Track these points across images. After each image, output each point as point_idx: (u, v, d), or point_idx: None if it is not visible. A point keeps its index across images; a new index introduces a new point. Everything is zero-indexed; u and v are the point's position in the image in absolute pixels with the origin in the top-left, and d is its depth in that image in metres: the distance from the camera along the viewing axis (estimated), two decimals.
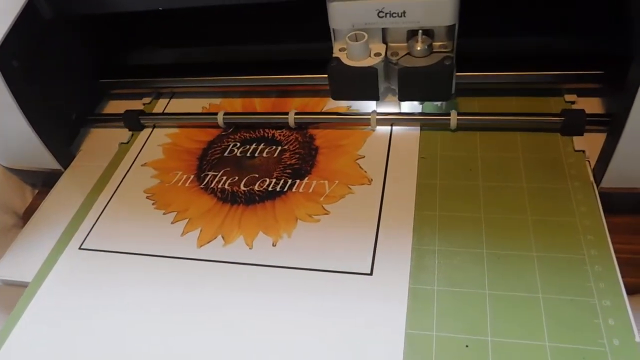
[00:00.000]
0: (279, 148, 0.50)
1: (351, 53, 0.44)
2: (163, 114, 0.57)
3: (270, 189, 0.46)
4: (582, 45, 0.47)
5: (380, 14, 0.42)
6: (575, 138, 0.45)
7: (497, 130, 0.47)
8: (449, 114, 0.47)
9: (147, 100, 0.59)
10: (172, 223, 0.45)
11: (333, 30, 0.45)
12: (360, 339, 0.35)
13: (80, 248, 0.45)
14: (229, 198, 0.46)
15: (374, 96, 0.46)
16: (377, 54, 0.44)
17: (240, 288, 0.39)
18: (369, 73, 0.44)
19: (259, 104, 0.56)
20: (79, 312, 0.40)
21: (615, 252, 0.36)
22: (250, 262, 0.41)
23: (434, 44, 0.44)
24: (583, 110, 0.44)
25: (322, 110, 0.53)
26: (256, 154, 0.50)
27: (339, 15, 0.43)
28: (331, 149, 0.49)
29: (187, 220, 0.45)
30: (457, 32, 0.43)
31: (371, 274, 0.38)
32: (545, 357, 0.32)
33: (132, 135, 0.56)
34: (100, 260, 0.44)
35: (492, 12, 0.46)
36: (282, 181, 0.47)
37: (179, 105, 0.58)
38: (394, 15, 0.42)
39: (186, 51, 0.60)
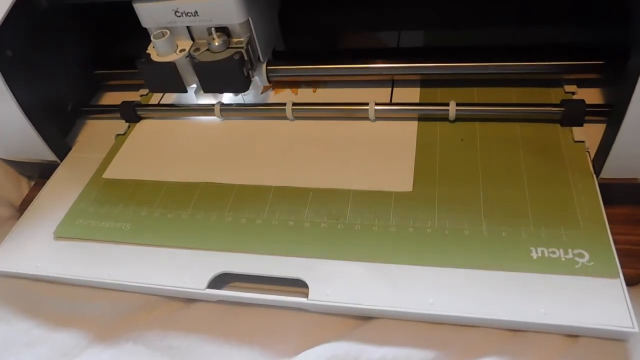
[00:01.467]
0: None
1: (158, 49, 0.48)
2: (159, 105, 0.57)
3: None
4: (583, 35, 0.47)
5: (177, 14, 0.46)
6: (575, 129, 0.44)
7: (497, 121, 0.46)
8: (447, 104, 0.46)
9: (143, 91, 0.59)
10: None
11: (148, 29, 0.48)
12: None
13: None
14: None
15: (181, 88, 0.50)
16: (182, 50, 0.48)
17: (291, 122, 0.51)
18: (169, 67, 0.47)
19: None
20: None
21: (615, 243, 0.36)
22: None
23: (232, 39, 0.47)
24: (583, 101, 0.44)
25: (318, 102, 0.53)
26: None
27: (144, 16, 0.47)
28: None
29: None
30: (255, 28, 0.47)
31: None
32: None
33: (129, 126, 0.55)
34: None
35: (492, 1, 0.46)
36: None
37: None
38: (189, 14, 0.45)
39: None
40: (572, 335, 0.34)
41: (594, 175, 0.41)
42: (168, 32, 0.47)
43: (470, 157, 0.44)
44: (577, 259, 0.36)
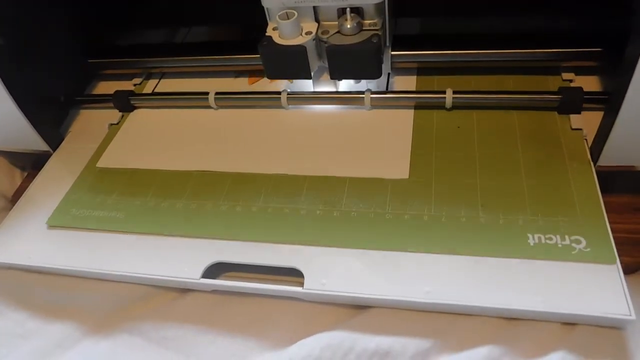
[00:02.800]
0: None
1: (282, 32, 0.44)
2: (153, 94, 0.56)
3: None
4: (581, 22, 0.46)
5: None
6: (572, 116, 0.44)
7: (494, 109, 0.46)
8: (444, 92, 0.46)
9: (137, 80, 0.58)
10: None
11: (266, 9, 0.45)
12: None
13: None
14: None
15: (307, 74, 0.46)
16: (308, 33, 0.44)
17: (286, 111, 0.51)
18: (299, 51, 0.44)
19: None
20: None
21: (612, 231, 0.36)
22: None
23: (364, 22, 0.43)
24: (581, 88, 0.44)
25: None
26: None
27: None
28: None
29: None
30: (388, 10, 0.43)
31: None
32: None
33: (122, 116, 0.55)
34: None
35: None
36: None
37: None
38: None
39: (176, 31, 0.58)
40: (569, 323, 0.34)
41: (592, 163, 0.40)
42: (295, 12, 0.43)
43: (467, 145, 0.44)
44: (574, 245, 0.35)
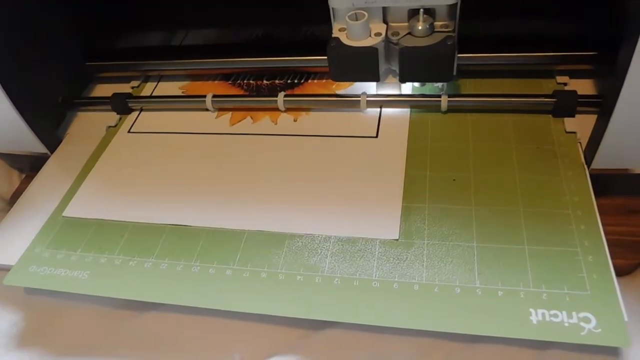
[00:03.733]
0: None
1: (351, 33, 0.43)
2: (151, 97, 0.57)
3: (289, 81, 0.54)
4: (575, 26, 0.47)
5: None
6: (566, 119, 0.44)
7: (489, 112, 0.46)
8: (439, 96, 0.46)
9: (135, 83, 0.59)
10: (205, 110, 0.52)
11: (332, 9, 0.44)
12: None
13: (129, 132, 0.53)
14: (254, 90, 0.54)
15: (375, 77, 0.45)
16: (378, 34, 0.43)
17: (268, 151, 0.47)
18: (369, 53, 0.43)
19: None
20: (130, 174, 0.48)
21: (605, 233, 0.36)
22: (275, 133, 0.49)
23: (435, 23, 0.43)
24: (575, 92, 0.44)
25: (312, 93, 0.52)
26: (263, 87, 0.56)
27: None
28: None
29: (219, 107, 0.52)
30: (459, 12, 0.42)
31: (377, 137, 0.46)
32: None
33: (120, 118, 0.55)
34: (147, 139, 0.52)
35: None
36: (299, 75, 0.54)
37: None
38: None
39: (175, 34, 0.59)
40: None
41: (586, 166, 0.41)
42: (365, 13, 0.42)
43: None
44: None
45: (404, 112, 0.48)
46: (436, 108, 0.47)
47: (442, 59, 0.42)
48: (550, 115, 0.45)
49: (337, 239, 0.39)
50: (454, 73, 0.44)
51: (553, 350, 0.33)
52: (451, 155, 0.43)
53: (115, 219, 0.44)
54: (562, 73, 0.48)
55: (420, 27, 0.42)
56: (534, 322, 0.32)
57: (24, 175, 0.57)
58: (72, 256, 0.42)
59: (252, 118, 0.51)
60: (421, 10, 0.42)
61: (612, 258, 0.35)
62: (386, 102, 0.49)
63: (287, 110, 0.51)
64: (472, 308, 0.33)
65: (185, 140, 0.50)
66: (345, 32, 0.44)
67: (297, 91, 0.53)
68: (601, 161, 0.40)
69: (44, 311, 0.42)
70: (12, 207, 0.49)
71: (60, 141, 0.54)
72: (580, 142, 0.42)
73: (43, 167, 0.52)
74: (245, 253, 0.39)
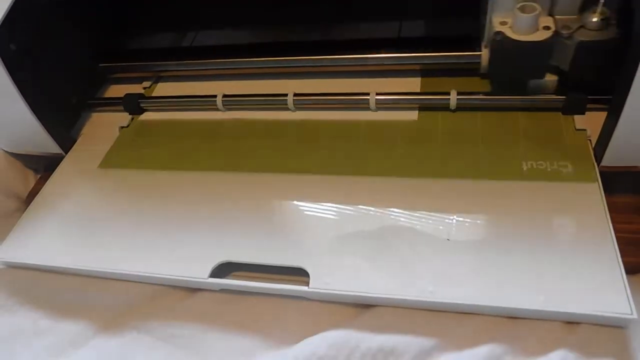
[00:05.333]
0: None
1: (519, 26, 0.40)
2: (162, 97, 0.57)
3: None
4: None
5: None
6: (576, 117, 0.44)
7: (498, 110, 0.46)
8: (448, 94, 0.46)
9: (147, 84, 0.59)
10: None
11: (493, 1, 0.42)
12: None
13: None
14: None
15: (539, 74, 0.42)
16: (547, 27, 0.40)
17: None
18: (542, 48, 0.40)
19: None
20: None
21: (615, 231, 0.36)
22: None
23: (609, 15, 0.39)
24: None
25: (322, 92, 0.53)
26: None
27: None
28: None
29: None
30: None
31: None
32: None
33: (132, 119, 0.56)
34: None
35: None
36: None
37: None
38: None
39: (186, 35, 0.59)
40: (571, 322, 0.34)
41: (595, 164, 0.41)
42: (538, 6, 0.39)
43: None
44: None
45: None
46: (445, 107, 0.47)
47: (620, 54, 0.37)
48: (560, 113, 0.45)
49: None
50: None
51: (584, 325, 0.34)
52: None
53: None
54: None
55: (594, 19, 0.39)
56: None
57: (39, 175, 0.58)
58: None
59: None
60: (601, 1, 0.38)
61: (622, 256, 0.35)
62: (394, 101, 0.49)
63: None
64: None
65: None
66: (509, 25, 0.41)
67: None
68: (611, 158, 0.40)
69: None
70: (28, 206, 0.50)
71: (75, 141, 0.55)
72: (590, 140, 0.42)
73: (58, 167, 0.53)
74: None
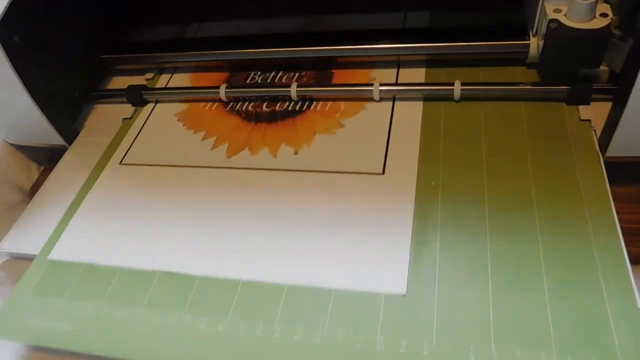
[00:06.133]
0: (297, 74, 0.54)
1: (576, 13, 0.38)
2: (165, 88, 0.57)
3: (290, 108, 0.51)
4: None
5: None
6: (581, 107, 0.44)
7: (502, 100, 0.46)
8: (452, 84, 0.46)
9: (149, 75, 0.59)
10: (202, 140, 0.50)
11: None
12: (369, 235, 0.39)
13: (121, 163, 0.50)
14: (253, 117, 0.51)
15: (596, 63, 0.41)
16: (604, 14, 0.39)
17: (267, 190, 0.44)
18: (601, 36, 0.38)
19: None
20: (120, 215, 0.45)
21: (620, 221, 0.36)
22: (275, 167, 0.45)
23: None
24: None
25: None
26: (275, 80, 0.54)
27: None
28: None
29: (216, 137, 0.50)
30: None
31: (383, 173, 0.43)
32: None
33: (135, 110, 0.56)
34: (138, 171, 0.49)
35: None
36: (300, 102, 0.51)
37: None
38: None
39: (188, 26, 0.59)
40: None
41: (600, 154, 0.40)
42: None
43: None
44: None
45: (413, 147, 0.44)
46: (449, 97, 0.47)
47: None
48: (564, 103, 0.44)
49: (340, 293, 0.36)
50: None
51: None
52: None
53: (103, 264, 0.41)
54: None
55: None
56: None
57: (42, 168, 0.58)
58: (57, 303, 0.39)
59: (249, 150, 0.48)
60: None
61: (626, 246, 0.34)
62: (399, 91, 0.49)
63: (287, 142, 0.47)
64: None
65: (180, 175, 0.47)
66: (563, 12, 0.39)
67: (298, 119, 0.49)
68: (616, 149, 0.39)
69: None
70: (32, 198, 0.50)
71: (78, 133, 0.55)
72: (594, 130, 0.42)
73: (61, 159, 0.53)
74: (240, 305, 0.37)
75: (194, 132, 0.51)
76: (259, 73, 0.56)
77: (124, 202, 0.46)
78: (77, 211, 0.46)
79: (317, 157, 0.45)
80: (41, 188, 0.51)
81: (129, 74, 0.60)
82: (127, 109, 0.56)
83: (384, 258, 0.37)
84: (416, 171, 0.42)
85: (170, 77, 0.59)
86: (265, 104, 0.52)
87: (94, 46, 0.58)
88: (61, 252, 0.43)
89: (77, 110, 0.57)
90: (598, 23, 0.38)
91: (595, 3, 0.38)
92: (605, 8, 0.39)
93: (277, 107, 0.51)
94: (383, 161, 0.43)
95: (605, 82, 0.44)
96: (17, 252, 0.46)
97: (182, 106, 0.54)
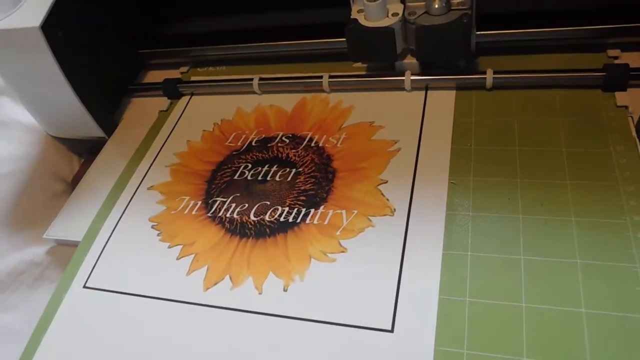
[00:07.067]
0: (293, 170, 0.46)
1: (368, 13, 0.44)
2: (200, 81, 0.58)
3: (282, 219, 0.42)
4: None
5: None
6: (617, 94, 0.43)
7: (535, 89, 0.46)
8: (484, 73, 0.46)
9: (184, 69, 0.61)
10: (177, 259, 0.42)
11: None
12: None
13: (84, 287, 0.42)
14: (238, 230, 0.42)
15: (392, 57, 0.46)
16: (395, 14, 0.44)
17: (248, 340, 0.36)
18: (386, 33, 0.44)
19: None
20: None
21: None
22: (259, 310, 0.37)
23: (452, 1, 0.43)
24: (627, 65, 0.43)
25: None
26: (268, 177, 0.46)
27: None
28: (350, 173, 0.44)
29: (194, 256, 0.42)
30: None
31: (392, 331, 0.34)
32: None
33: (171, 103, 0.57)
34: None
35: None
36: (295, 210, 0.42)
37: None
38: None
39: (221, 19, 0.60)
40: None
41: (638, 141, 0.40)
42: None
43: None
44: None
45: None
46: (481, 86, 0.46)
47: (458, 36, 0.43)
48: (600, 90, 0.44)
49: None
50: (472, 50, 0.45)
51: None
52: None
53: None
54: (614, 46, 0.46)
55: (436, 6, 0.43)
56: None
57: (83, 159, 0.60)
58: None
59: (231, 279, 0.39)
60: None
61: None
62: (431, 80, 0.48)
63: (275, 271, 0.39)
64: None
65: (146, 309, 0.39)
66: (364, 13, 0.45)
67: (290, 237, 0.41)
68: None
69: None
70: (74, 188, 0.52)
71: (116, 125, 0.57)
72: (631, 116, 0.41)
73: (102, 151, 0.55)
74: None
75: (170, 247, 0.43)
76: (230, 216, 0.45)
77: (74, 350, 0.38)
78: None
79: (310, 299, 0.37)
80: (83, 178, 0.53)
81: (164, 68, 0.62)
82: (163, 101, 0.57)
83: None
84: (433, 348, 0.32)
85: (205, 71, 0.60)
86: (253, 210, 0.43)
87: (132, 41, 0.60)
88: None
89: (116, 104, 0.59)
90: (387, 21, 0.44)
91: (383, 3, 0.44)
92: (397, 8, 0.45)
93: (267, 217, 0.43)
94: (392, 316, 0.34)
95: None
96: (62, 238, 0.48)
97: (158, 208, 0.46)
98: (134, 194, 0.48)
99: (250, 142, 0.50)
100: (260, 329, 0.36)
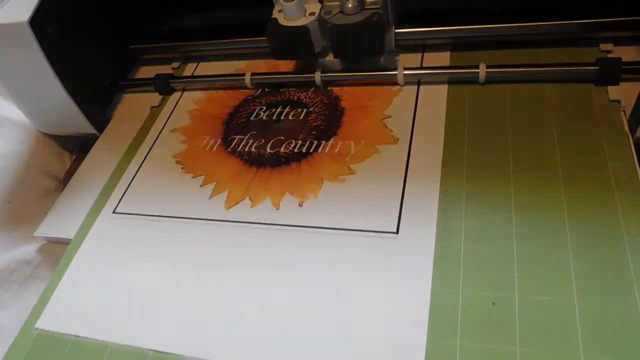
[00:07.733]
0: (305, 110, 0.50)
1: (287, 13, 0.46)
2: (192, 76, 0.58)
3: (296, 150, 0.46)
4: None
5: None
6: (610, 88, 0.43)
7: (528, 83, 0.45)
8: (477, 67, 0.46)
9: (176, 64, 0.60)
10: (200, 186, 0.46)
11: None
12: (386, 299, 0.35)
13: (114, 212, 0.46)
14: (256, 161, 0.47)
15: (311, 55, 0.48)
16: (312, 14, 0.46)
17: (267, 250, 0.39)
18: (302, 32, 0.46)
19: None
20: (114, 271, 0.42)
21: None
22: (277, 222, 0.41)
23: (366, 1, 0.45)
24: (620, 59, 0.43)
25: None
26: (282, 117, 0.50)
27: None
28: (357, 110, 0.48)
29: (215, 183, 0.46)
30: None
31: (397, 232, 0.38)
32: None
33: (163, 99, 0.57)
34: (132, 224, 0.45)
35: None
36: (307, 143, 0.47)
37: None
38: None
39: (213, 15, 0.60)
40: None
41: (630, 135, 0.40)
42: None
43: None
44: None
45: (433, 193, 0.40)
46: (474, 80, 0.46)
47: (367, 35, 0.44)
48: (592, 84, 0.44)
49: None
50: (393, 48, 0.48)
51: None
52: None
53: (93, 338, 0.38)
54: (606, 40, 0.46)
55: (350, 5, 0.44)
56: None
57: (74, 156, 0.60)
58: None
59: (250, 200, 0.44)
60: None
61: None
62: (424, 75, 0.48)
63: (291, 191, 0.43)
64: None
65: (175, 229, 0.43)
66: (283, 13, 0.46)
67: (304, 164, 0.45)
68: None
69: None
70: (65, 185, 0.52)
71: (108, 122, 0.57)
72: (624, 110, 0.41)
73: (92, 148, 0.55)
74: None
75: (193, 177, 0.47)
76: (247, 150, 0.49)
77: (111, 266, 0.42)
78: (65, 273, 0.42)
79: (324, 211, 0.41)
80: (74, 176, 0.52)
81: (156, 64, 0.61)
82: (155, 97, 0.57)
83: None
84: (434, 246, 0.36)
85: (197, 66, 0.60)
86: (269, 144, 0.48)
87: (123, 37, 0.59)
88: (49, 323, 0.40)
89: (107, 100, 0.58)
90: (304, 21, 0.46)
91: (300, 4, 0.45)
92: (315, 7, 0.46)
93: (282, 149, 0.47)
94: (397, 219, 0.39)
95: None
96: (53, 236, 0.47)
97: (182, 146, 0.51)
98: (159, 134, 0.52)
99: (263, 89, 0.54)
100: (278, 239, 0.40)
